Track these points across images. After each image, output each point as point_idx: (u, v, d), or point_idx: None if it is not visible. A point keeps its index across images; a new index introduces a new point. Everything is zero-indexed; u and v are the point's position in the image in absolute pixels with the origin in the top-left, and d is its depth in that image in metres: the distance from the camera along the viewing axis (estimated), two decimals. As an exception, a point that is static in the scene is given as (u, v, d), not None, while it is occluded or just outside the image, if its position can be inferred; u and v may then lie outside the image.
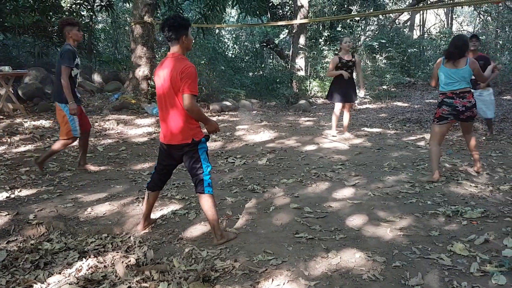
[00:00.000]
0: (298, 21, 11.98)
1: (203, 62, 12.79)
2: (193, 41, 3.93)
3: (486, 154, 5.64)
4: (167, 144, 3.11)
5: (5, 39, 12.15)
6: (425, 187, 4.30)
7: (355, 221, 3.47)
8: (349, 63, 6.64)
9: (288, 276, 2.59)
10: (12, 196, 4.14)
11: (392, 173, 4.84)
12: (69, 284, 2.58)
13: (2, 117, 7.60)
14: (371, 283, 2.50)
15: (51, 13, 10.74)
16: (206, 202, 3.07)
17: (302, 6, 12.74)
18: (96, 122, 7.61)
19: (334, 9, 16.12)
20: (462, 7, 27.07)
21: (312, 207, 3.79)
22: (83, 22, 11.61)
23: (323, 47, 14.88)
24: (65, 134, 4.66)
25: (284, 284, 2.52)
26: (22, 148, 5.83)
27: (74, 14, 11.50)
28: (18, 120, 7.35)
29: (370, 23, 17.74)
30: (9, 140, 6.16)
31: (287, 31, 16.23)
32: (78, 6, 11.55)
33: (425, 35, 23.05)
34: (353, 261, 2.77)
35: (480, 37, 16.32)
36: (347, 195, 4.13)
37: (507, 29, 19.36)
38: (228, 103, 10.42)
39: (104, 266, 2.82)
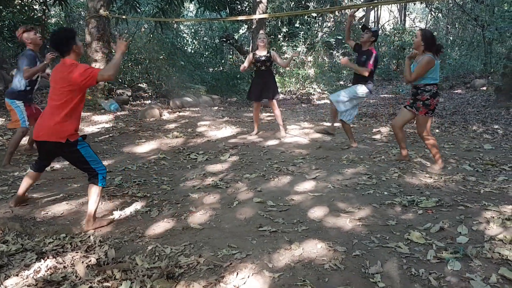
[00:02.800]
0: (257, 16, 11.99)
1: (161, 57, 12.59)
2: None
3: (440, 146, 5.89)
4: (41, 141, 3.25)
5: None
6: (381, 178, 4.45)
7: (316, 213, 3.54)
8: (261, 58, 6.55)
9: (253, 269, 2.62)
10: (-38, 198, 3.94)
11: (351, 165, 4.97)
12: (28, 286, 2.49)
13: None
14: (333, 273, 2.57)
15: (1, 7, 10.22)
16: (95, 192, 3.30)
17: (260, 2, 12.76)
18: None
19: (292, 5, 16.27)
20: (414, 4, 28.07)
21: (275, 201, 3.84)
22: (35, 17, 11.08)
23: (282, 43, 15.00)
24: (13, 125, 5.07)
25: (248, 277, 2.54)
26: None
27: (26, 8, 10.97)
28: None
29: (327, 19, 18.03)
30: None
31: (246, 26, 16.23)
32: (30, 0, 11.06)
33: (379, 32, 23.69)
34: (315, 252, 2.83)
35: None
36: (308, 188, 4.21)
37: (457, 26, 20.29)
38: (189, 99, 10.33)
39: (64, 267, 2.74)
